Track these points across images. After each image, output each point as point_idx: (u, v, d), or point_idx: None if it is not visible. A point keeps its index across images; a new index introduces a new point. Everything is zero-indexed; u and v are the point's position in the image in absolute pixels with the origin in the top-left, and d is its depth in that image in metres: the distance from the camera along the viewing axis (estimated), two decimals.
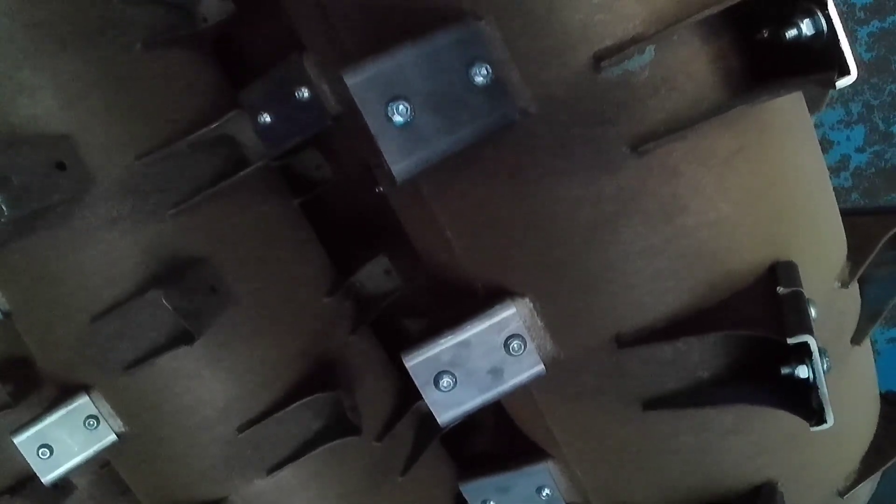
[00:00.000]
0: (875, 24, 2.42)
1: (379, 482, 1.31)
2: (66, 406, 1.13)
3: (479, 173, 0.80)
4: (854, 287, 1.01)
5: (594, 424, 0.93)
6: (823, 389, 0.73)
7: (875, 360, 1.12)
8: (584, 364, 0.87)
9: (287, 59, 0.95)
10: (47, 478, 1.14)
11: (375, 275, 1.34)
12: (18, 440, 1.12)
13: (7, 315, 1.15)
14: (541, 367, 0.84)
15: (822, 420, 0.75)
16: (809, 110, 0.90)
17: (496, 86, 0.70)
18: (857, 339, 1.00)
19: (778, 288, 0.77)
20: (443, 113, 0.68)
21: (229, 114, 1.07)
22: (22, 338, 1.18)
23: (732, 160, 0.78)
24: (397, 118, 0.67)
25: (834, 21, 0.67)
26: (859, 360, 1.05)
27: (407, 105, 0.67)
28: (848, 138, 2.50)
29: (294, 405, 1.13)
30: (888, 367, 1.21)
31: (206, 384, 1.14)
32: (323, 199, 1.41)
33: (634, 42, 0.70)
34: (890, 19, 2.41)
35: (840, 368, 0.97)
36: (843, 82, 0.68)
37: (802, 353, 0.73)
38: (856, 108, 2.49)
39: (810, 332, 0.70)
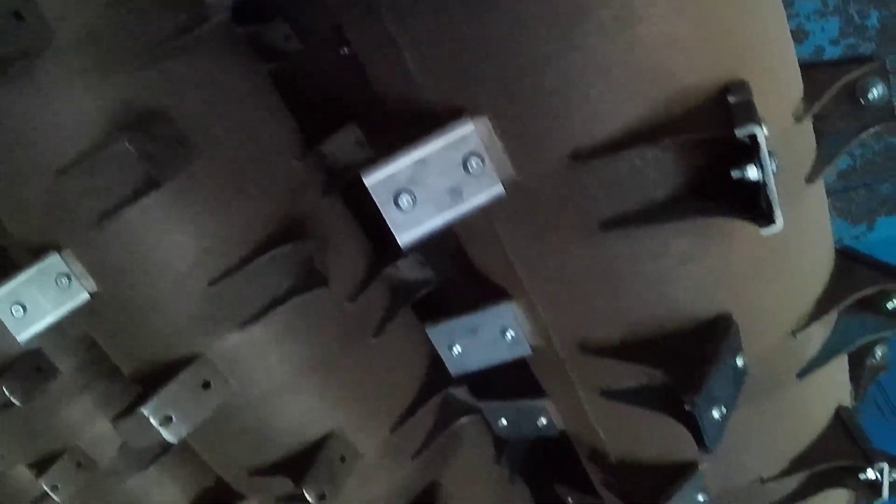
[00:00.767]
0: None
1: (352, 340, 1.35)
2: (38, 264, 1.14)
3: None
4: (809, 128, 1.03)
5: (554, 252, 0.95)
6: (772, 186, 0.75)
7: None
8: (542, 184, 0.88)
9: None
10: (22, 336, 1.16)
11: (346, 145, 1.36)
12: None
13: None
14: (499, 188, 0.86)
15: (770, 220, 0.77)
16: None
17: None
18: (811, 178, 1.02)
19: (729, 97, 0.79)
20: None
21: None
22: None
23: None
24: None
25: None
26: (813, 202, 1.08)
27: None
28: (822, 29, 2.51)
29: (264, 256, 1.16)
30: None
31: (176, 238, 1.15)
32: (294, 74, 1.42)
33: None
34: None
35: (794, 206, 0.99)
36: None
37: (751, 154, 0.75)
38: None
39: (757, 123, 0.72)
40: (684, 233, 0.91)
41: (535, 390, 1.29)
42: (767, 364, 1.09)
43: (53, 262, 1.15)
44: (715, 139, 0.78)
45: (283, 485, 1.32)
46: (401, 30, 0.85)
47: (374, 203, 0.83)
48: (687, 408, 0.87)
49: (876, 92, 1.05)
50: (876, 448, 1.26)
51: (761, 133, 0.72)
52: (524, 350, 1.11)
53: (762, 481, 1.26)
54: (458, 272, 1.18)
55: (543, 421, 1.31)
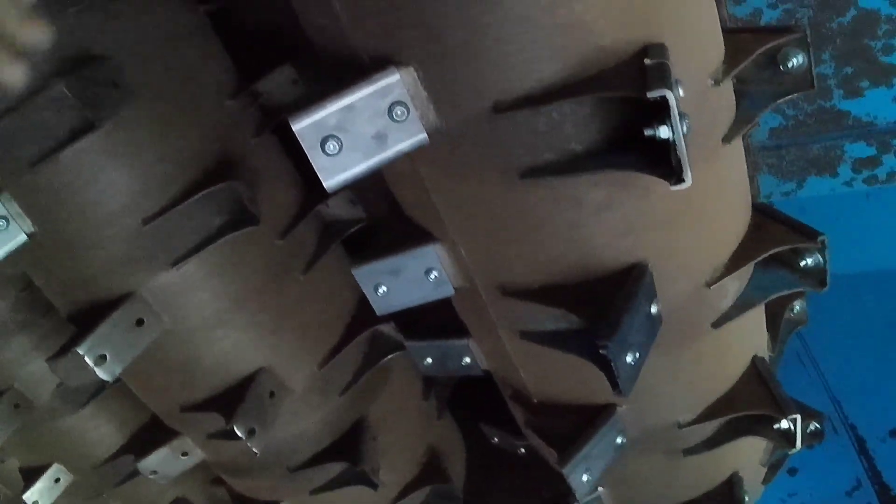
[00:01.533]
0: None
1: (281, 277, 1.37)
2: None
3: None
4: (728, 90, 1.07)
5: (475, 196, 0.99)
6: (682, 146, 0.79)
7: None
8: (464, 133, 0.91)
9: None
10: None
11: (282, 84, 1.37)
12: None
13: None
14: (423, 136, 0.88)
15: (680, 179, 0.81)
16: None
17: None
18: (727, 139, 1.06)
19: (645, 60, 0.82)
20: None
21: None
22: None
23: None
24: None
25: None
26: (730, 160, 1.12)
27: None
28: None
29: (196, 196, 1.17)
30: None
31: (110, 178, 1.16)
32: (230, 14, 1.42)
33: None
34: None
35: (709, 163, 1.04)
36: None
37: (664, 115, 0.78)
38: None
39: (669, 87, 0.75)
40: (600, 184, 0.94)
41: (460, 330, 1.33)
42: (683, 313, 1.14)
43: None
44: (631, 99, 0.81)
45: (215, 421, 1.35)
46: None
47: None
48: (601, 352, 0.90)
49: (796, 61, 1.09)
50: (792, 398, 1.31)
51: (672, 96, 0.75)
52: (447, 291, 1.14)
53: (679, 426, 1.32)
54: (387, 211, 1.21)
55: (468, 360, 1.35)
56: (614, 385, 0.94)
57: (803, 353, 2.76)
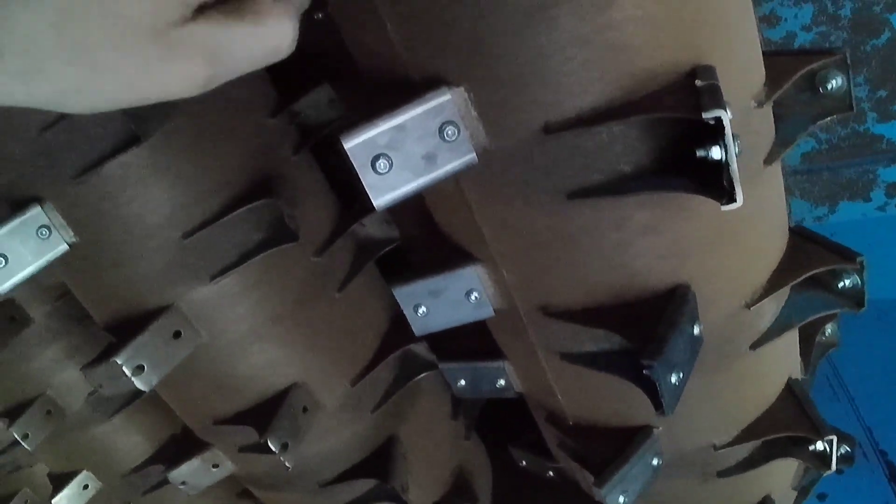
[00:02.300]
0: None
1: (317, 294, 1.38)
2: (20, 217, 1.16)
3: None
4: (769, 112, 1.07)
5: (521, 217, 0.98)
6: (734, 166, 0.78)
7: None
8: (513, 154, 0.91)
9: None
10: (3, 287, 1.18)
11: (319, 104, 1.38)
12: None
13: None
14: (473, 156, 0.89)
15: (732, 199, 0.81)
16: None
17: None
18: (769, 160, 1.06)
19: (696, 81, 0.82)
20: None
21: None
22: None
23: None
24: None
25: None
26: (770, 182, 1.12)
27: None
28: (796, 16, 2.54)
29: (237, 211, 1.18)
30: None
31: (152, 191, 1.17)
32: None
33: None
34: None
35: (752, 185, 1.03)
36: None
37: (716, 135, 0.78)
38: None
39: (724, 108, 0.75)
40: (645, 205, 0.95)
41: (494, 352, 1.33)
42: (722, 334, 1.14)
43: (35, 214, 1.17)
44: (681, 120, 0.81)
45: (248, 434, 1.36)
46: (386, 4, 0.87)
47: (349, 164, 0.85)
48: (646, 372, 0.90)
49: (834, 83, 1.09)
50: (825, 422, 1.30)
51: (727, 117, 0.75)
52: (488, 312, 1.14)
53: (714, 448, 1.31)
54: (420, 232, 1.21)
55: (502, 382, 1.34)
56: (657, 405, 0.94)
57: (834, 379, 2.74)
